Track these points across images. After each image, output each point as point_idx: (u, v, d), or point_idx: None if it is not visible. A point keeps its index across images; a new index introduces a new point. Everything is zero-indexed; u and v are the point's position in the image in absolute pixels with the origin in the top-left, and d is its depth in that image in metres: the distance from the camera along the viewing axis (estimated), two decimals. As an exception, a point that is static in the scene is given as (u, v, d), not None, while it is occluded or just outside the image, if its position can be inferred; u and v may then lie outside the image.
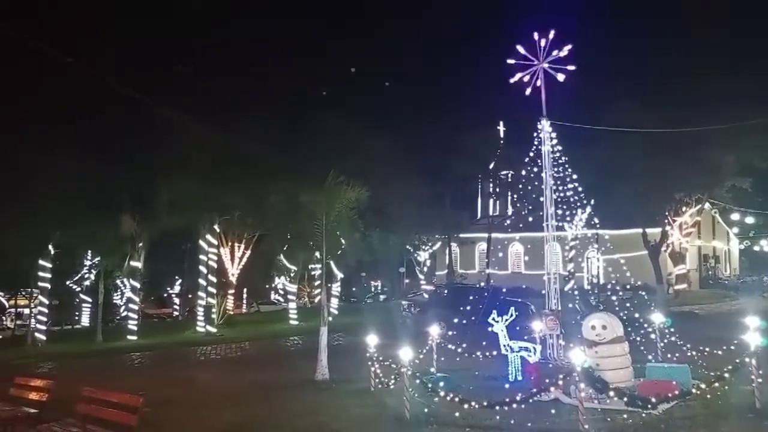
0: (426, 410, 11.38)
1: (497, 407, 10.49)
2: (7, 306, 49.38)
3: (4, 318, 47.94)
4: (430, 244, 53.80)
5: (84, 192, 27.49)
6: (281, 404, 13.19)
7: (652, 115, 28.19)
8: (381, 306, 46.21)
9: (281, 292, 51.76)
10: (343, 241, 33.84)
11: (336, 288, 39.76)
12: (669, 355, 14.22)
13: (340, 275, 39.66)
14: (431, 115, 47.01)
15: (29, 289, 37.23)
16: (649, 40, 36.75)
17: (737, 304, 32.56)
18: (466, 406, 10.77)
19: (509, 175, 46.98)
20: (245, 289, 54.65)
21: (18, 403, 10.90)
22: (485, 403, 10.62)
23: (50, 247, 30.13)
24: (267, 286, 57.90)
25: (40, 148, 26.97)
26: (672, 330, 14.41)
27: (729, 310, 27.71)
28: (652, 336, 14.42)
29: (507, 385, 12.49)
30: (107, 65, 28.77)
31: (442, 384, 12.40)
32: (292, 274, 36.32)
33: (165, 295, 60.51)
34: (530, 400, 10.58)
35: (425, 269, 54.70)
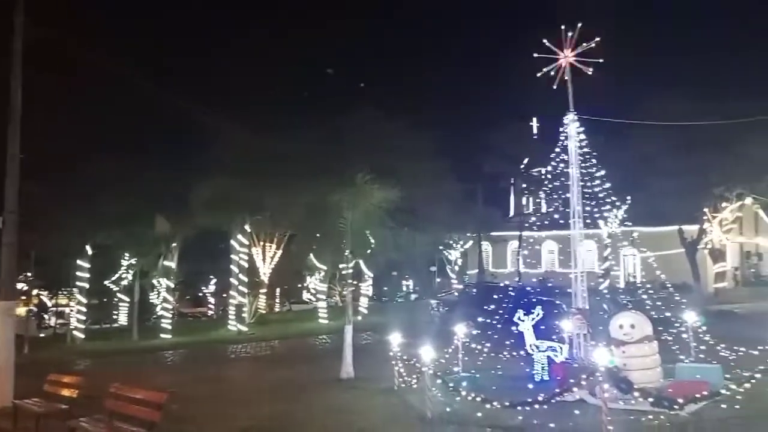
0: (448, 409, 11.30)
1: (519, 407, 10.34)
2: (49, 305, 50.93)
3: (46, 317, 49.43)
4: (461, 242, 53.39)
5: (121, 193, 28.13)
6: (305, 402, 13.28)
7: (691, 107, 27.36)
8: (412, 305, 46.11)
9: (312, 291, 52.10)
10: (372, 240, 34.02)
11: (366, 287, 39.78)
12: (702, 356, 13.81)
13: (369, 274, 39.69)
14: (464, 112, 46.76)
15: (69, 289, 38.31)
16: (686, 29, 35.78)
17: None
18: (488, 405, 10.66)
19: (541, 172, 46.21)
20: (278, 289, 55.20)
21: (50, 399, 11.29)
22: (507, 403, 10.49)
23: (88, 247, 30.95)
24: (299, 286, 58.38)
25: (79, 150, 27.76)
26: (704, 329, 13.97)
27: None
28: (684, 335, 14.01)
29: (531, 386, 12.31)
30: (142, 65, 29.36)
31: (464, 383, 12.31)
32: (322, 274, 36.53)
33: (200, 294, 61.55)
34: (554, 401, 10.39)
35: (456, 268, 54.30)
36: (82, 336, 31.56)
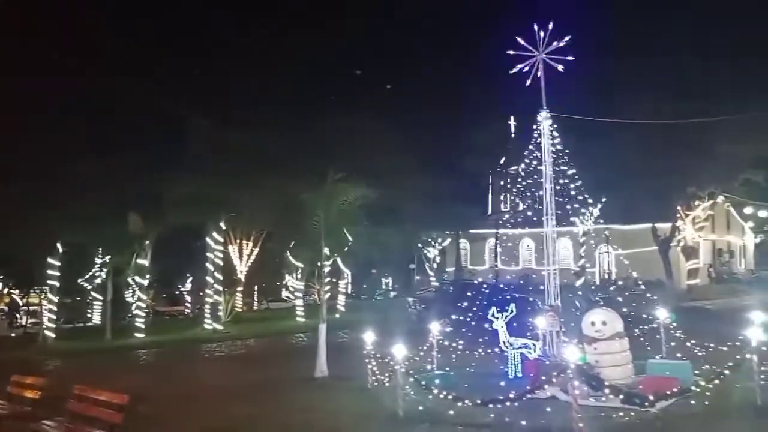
0: (421, 408, 11.23)
1: (490, 405, 10.31)
2: (21, 304, 49.87)
3: (18, 316, 48.38)
4: (440, 240, 53.53)
5: (91, 190, 27.60)
6: (277, 402, 13.12)
7: (664, 108, 27.66)
8: (390, 303, 46.03)
9: (291, 289, 51.81)
10: (350, 238, 33.87)
11: (343, 285, 39.66)
12: (673, 352, 13.92)
13: (347, 272, 39.56)
14: (441, 111, 46.69)
15: (41, 288, 37.53)
16: (658, 29, 36.07)
17: (750, 299, 31.94)
18: (459, 404, 10.61)
19: (518, 171, 46.45)
20: (256, 287, 54.77)
21: (14, 401, 10.98)
22: (479, 401, 10.45)
23: (59, 245, 30.33)
24: (278, 284, 57.99)
25: (47, 147, 27.18)
26: (676, 326, 14.09)
27: (741, 306, 27.14)
28: (656, 333, 14.11)
29: (503, 383, 12.29)
30: (111, 63, 28.83)
31: (437, 381, 12.25)
32: (299, 272, 36.30)
33: (177, 292, 60.81)
34: (525, 398, 10.38)
35: (435, 266, 54.42)
36: (53, 335, 30.92)
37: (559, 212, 14.91)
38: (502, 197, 53.00)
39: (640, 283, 16.35)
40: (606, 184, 32.77)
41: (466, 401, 10.51)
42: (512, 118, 51.84)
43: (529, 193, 15.18)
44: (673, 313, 14.61)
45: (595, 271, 43.68)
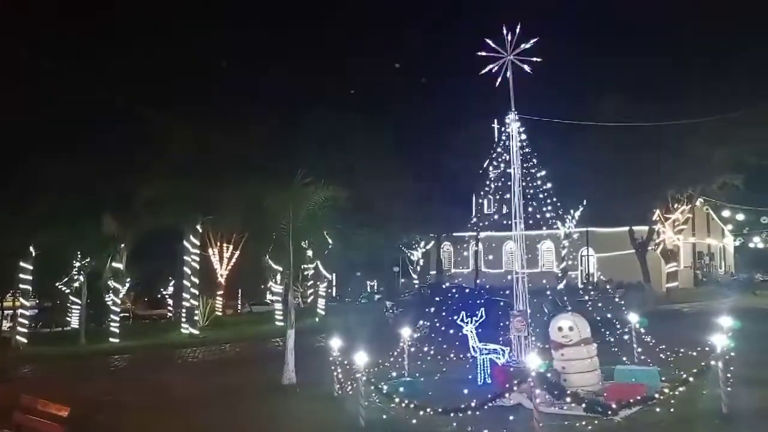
0: (385, 416, 10.98)
1: (452, 414, 10.08)
2: (-3, 308, 48.98)
3: (-6, 320, 47.49)
4: (423, 243, 53.32)
5: (63, 192, 27.07)
6: (238, 410, 12.80)
7: (640, 111, 27.65)
8: (374, 306, 45.72)
9: (273, 292, 51.35)
10: (330, 241, 33.53)
11: (324, 288, 39.29)
12: (643, 357, 13.76)
13: (327, 276, 39.23)
14: (424, 112, 46.57)
15: (16, 291, 36.82)
16: (633, 31, 36.23)
17: (728, 302, 32.02)
18: (421, 412, 10.37)
19: (498, 174, 46.39)
20: (240, 290, 54.25)
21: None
22: (440, 410, 10.22)
23: (31, 248, 29.73)
24: (262, 287, 57.47)
25: (17, 148, 26.62)
26: (644, 331, 13.95)
27: (717, 309, 27.19)
28: (626, 337, 13.95)
29: (466, 391, 12.04)
30: (84, 65, 28.32)
31: (401, 389, 11.99)
32: (278, 276, 35.86)
33: (159, 296, 60.10)
34: (487, 406, 10.16)
35: (419, 269, 54.21)
36: (25, 340, 30.30)
37: (537, 216, 14.76)
38: (484, 200, 52.89)
39: (608, 287, 16.18)
40: (586, 188, 32.83)
41: (428, 410, 10.27)
42: (496, 121, 51.76)
43: (498, 196, 15.01)
44: (643, 318, 14.45)
45: (578, 273, 43.76)
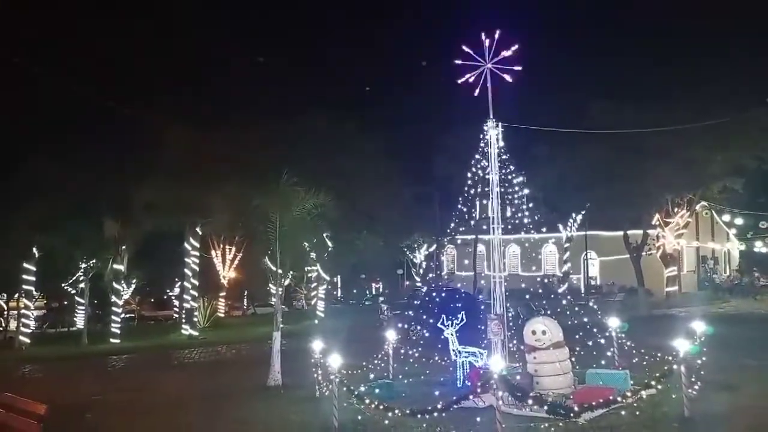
0: (360, 417, 11.23)
1: (419, 415, 10.34)
2: (5, 308, 49.76)
3: (1, 320, 48.25)
4: (426, 246, 53.53)
5: (65, 195, 27.59)
6: (219, 411, 13.09)
7: (635, 115, 27.68)
8: (376, 308, 45.96)
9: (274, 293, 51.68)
10: (330, 244, 33.79)
11: (323, 290, 39.57)
12: (621, 361, 13.89)
13: (327, 278, 39.51)
14: (424, 117, 46.69)
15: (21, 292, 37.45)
16: (633, 32, 36.05)
17: (727, 306, 31.98)
18: (390, 413, 10.64)
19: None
20: (246, 291, 54.68)
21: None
22: (408, 411, 10.49)
23: (34, 250, 30.30)
24: (266, 289, 57.80)
25: (19, 152, 27.21)
26: (623, 335, 14.08)
27: (715, 314, 27.22)
28: (603, 341, 14.08)
29: (437, 392, 12.27)
30: (83, 70, 28.81)
31: (377, 391, 12.24)
32: (278, 277, 36.13)
33: (165, 297, 60.71)
34: (453, 407, 10.43)
35: (421, 271, 54.44)
36: (28, 341, 30.88)
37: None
38: (486, 203, 52.89)
39: (593, 290, 16.31)
40: (585, 192, 32.82)
41: (396, 411, 10.53)
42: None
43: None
44: (624, 323, 14.57)
45: (580, 277, 43.75)
